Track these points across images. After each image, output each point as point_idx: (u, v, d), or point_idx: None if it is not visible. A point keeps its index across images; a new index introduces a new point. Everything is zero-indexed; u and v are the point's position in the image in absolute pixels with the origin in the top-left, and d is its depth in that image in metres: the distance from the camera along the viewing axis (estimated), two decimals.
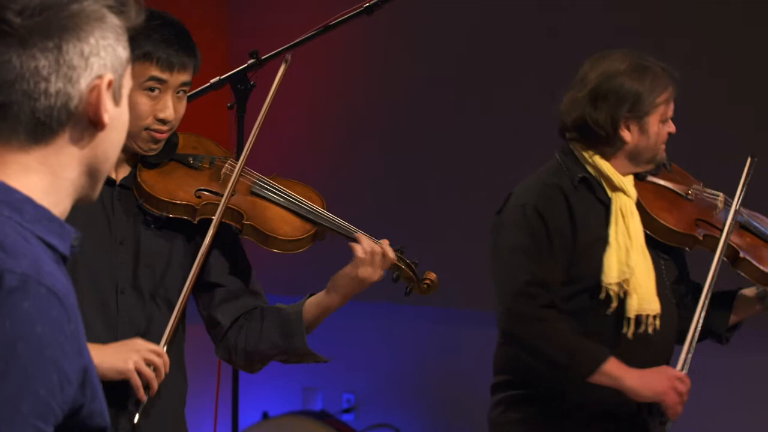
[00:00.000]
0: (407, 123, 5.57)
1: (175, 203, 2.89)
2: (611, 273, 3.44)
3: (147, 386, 2.78)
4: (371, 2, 3.67)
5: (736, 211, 3.55)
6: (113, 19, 1.61)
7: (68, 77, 1.57)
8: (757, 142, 3.84)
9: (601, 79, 3.45)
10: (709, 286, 3.48)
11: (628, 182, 3.51)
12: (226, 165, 2.99)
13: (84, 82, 1.58)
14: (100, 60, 1.59)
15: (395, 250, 3.00)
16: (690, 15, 4.94)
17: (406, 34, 5.56)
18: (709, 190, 3.69)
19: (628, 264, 3.44)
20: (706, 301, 3.47)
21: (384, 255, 2.94)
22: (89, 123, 1.59)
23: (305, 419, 5.46)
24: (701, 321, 3.46)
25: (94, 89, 1.58)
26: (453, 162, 5.46)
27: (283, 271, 4.83)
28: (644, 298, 3.46)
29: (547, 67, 5.22)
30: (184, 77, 2.84)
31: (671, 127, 3.50)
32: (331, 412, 5.69)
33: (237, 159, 2.99)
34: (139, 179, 2.88)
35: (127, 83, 1.65)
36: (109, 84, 1.59)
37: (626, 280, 3.44)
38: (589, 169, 3.50)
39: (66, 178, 1.60)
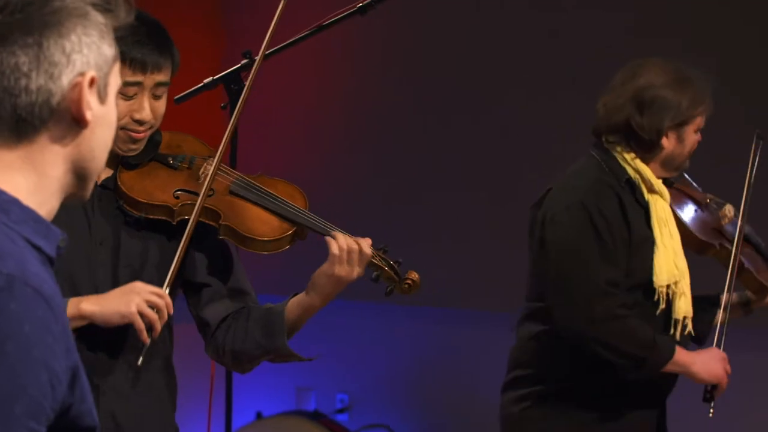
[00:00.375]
0: (404, 123, 5.57)
1: (154, 204, 2.87)
2: (662, 275, 3.53)
3: (150, 329, 2.76)
4: (365, 2, 3.67)
5: (742, 223, 3.71)
6: (97, 17, 1.60)
7: (49, 73, 1.56)
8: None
9: (646, 87, 3.54)
10: (729, 285, 3.68)
11: (662, 185, 3.61)
12: (205, 165, 2.97)
13: (66, 79, 1.57)
14: (83, 57, 1.58)
15: (378, 249, 2.97)
16: (690, 15, 4.95)
17: (400, 34, 5.56)
18: (717, 199, 3.82)
19: (677, 266, 3.54)
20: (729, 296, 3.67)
21: (361, 252, 2.89)
22: (72, 120, 1.58)
23: (299, 419, 5.47)
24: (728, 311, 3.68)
25: (76, 86, 1.58)
26: (451, 162, 5.46)
27: (276, 270, 4.83)
28: (688, 301, 3.58)
29: (542, 67, 5.23)
30: (160, 77, 2.82)
31: (698, 137, 3.62)
32: (325, 412, 5.69)
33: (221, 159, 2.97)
34: (118, 181, 2.86)
35: (114, 82, 1.64)
36: (92, 81, 1.59)
37: (676, 283, 3.54)
38: (630, 171, 3.57)
39: (51, 176, 1.59)
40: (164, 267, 2.86)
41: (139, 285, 2.78)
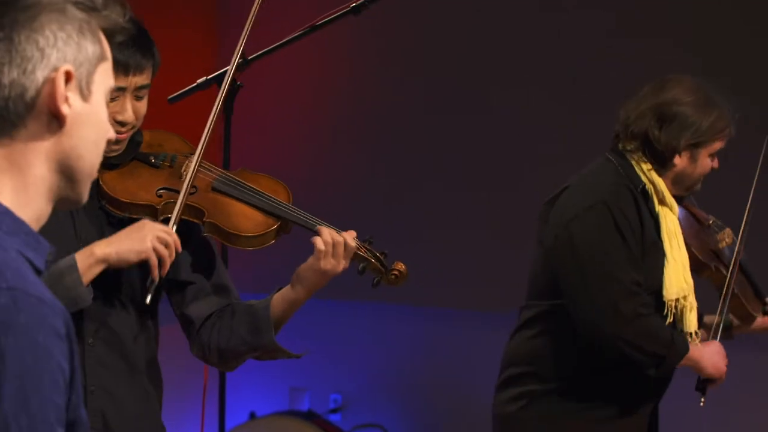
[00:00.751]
0: (402, 122, 5.56)
1: (136, 204, 2.87)
2: (672, 289, 3.55)
3: (160, 264, 2.77)
4: (358, 2, 3.67)
5: (739, 249, 3.73)
6: (77, 13, 1.59)
7: (22, 68, 1.55)
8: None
9: (671, 102, 3.55)
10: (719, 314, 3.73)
11: (673, 200, 3.62)
12: (187, 162, 2.97)
13: (40, 74, 1.56)
14: (58, 52, 1.57)
15: (363, 241, 2.97)
16: (691, 16, 4.95)
17: (399, 32, 5.56)
18: (718, 222, 3.84)
19: (686, 281, 3.58)
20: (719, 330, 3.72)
21: (346, 245, 2.89)
22: (51, 116, 1.58)
23: (292, 419, 5.47)
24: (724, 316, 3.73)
25: (51, 81, 1.57)
26: (448, 161, 5.46)
27: (264, 267, 4.83)
28: (696, 314, 3.61)
29: (541, 67, 5.23)
30: (142, 79, 2.82)
31: (715, 162, 3.63)
32: (318, 412, 5.70)
33: (204, 156, 2.96)
34: (100, 181, 2.86)
35: (102, 80, 1.63)
36: (69, 76, 1.58)
37: (686, 297, 3.57)
38: (644, 179, 3.58)
39: (35, 175, 1.59)
40: (148, 267, 2.85)
41: (148, 222, 2.79)
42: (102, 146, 1.65)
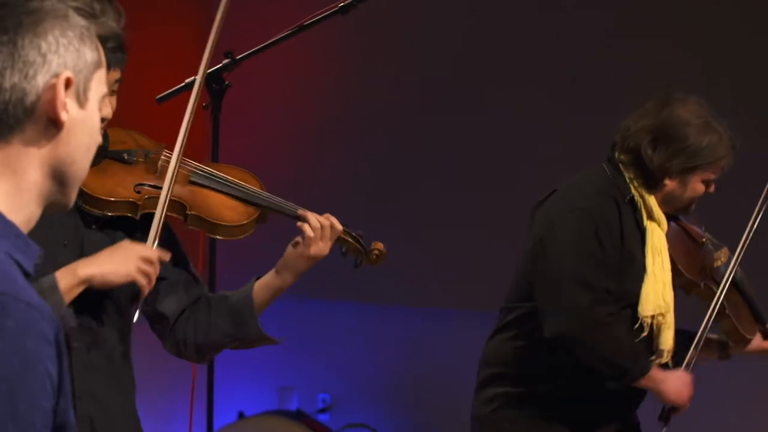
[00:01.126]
0: (396, 122, 5.56)
1: (116, 201, 2.86)
2: (648, 305, 3.53)
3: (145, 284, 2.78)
4: (346, 2, 3.67)
5: (732, 269, 3.67)
6: (78, 20, 1.59)
7: (24, 73, 1.55)
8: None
9: (671, 122, 3.52)
10: (701, 334, 3.65)
11: (662, 215, 3.59)
12: (162, 157, 2.96)
13: (41, 79, 1.56)
14: (59, 58, 1.57)
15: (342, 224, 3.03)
16: (690, 16, 4.96)
17: (394, 31, 5.55)
18: (714, 240, 3.79)
19: (665, 299, 3.55)
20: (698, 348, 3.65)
21: (332, 228, 2.95)
22: (49, 122, 1.57)
23: (281, 419, 5.46)
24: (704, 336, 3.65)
25: (52, 87, 1.57)
26: (442, 161, 5.45)
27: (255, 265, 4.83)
28: (672, 334, 3.58)
29: (537, 66, 5.23)
30: (118, 73, 2.80)
31: (711, 188, 3.59)
32: (307, 411, 5.70)
33: (172, 149, 2.94)
34: None
35: (97, 87, 1.63)
36: (68, 82, 1.58)
37: (662, 314, 3.54)
38: (634, 192, 3.57)
39: (29, 180, 1.58)
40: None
41: (126, 244, 2.78)
42: (93, 152, 1.66)
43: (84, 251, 2.83)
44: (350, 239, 3.05)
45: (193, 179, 2.99)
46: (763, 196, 3.68)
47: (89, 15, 1.61)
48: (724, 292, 3.65)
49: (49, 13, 1.57)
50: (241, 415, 5.71)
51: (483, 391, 3.67)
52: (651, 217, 3.56)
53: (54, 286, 2.66)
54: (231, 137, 4.12)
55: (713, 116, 3.54)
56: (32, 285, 1.55)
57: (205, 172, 3.01)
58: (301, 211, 2.97)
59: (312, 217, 2.95)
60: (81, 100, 1.61)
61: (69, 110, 1.59)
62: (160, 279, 2.94)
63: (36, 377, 1.47)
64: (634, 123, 3.55)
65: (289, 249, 2.96)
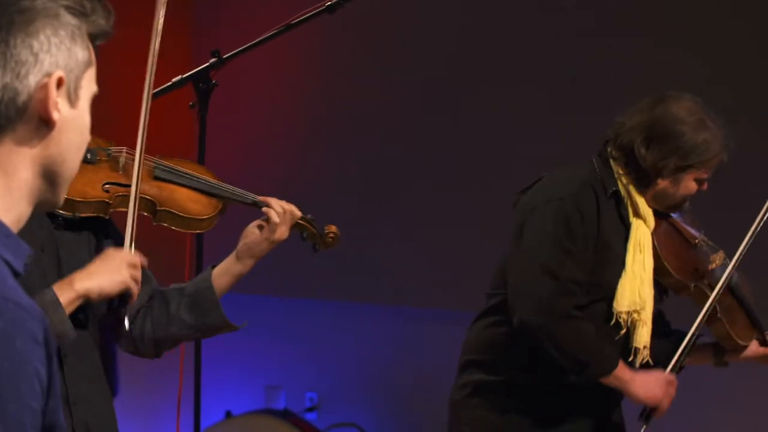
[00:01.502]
0: (388, 122, 5.56)
1: (87, 202, 2.86)
2: (623, 301, 3.51)
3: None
4: (333, 1, 3.68)
5: (729, 274, 3.63)
6: (70, 19, 1.59)
7: (15, 72, 1.55)
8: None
9: (665, 120, 3.49)
10: (691, 337, 3.62)
11: (650, 212, 3.57)
12: (123, 154, 2.96)
13: (33, 79, 1.56)
14: (51, 57, 1.57)
15: None
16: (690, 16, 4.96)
17: (387, 30, 5.56)
18: (710, 242, 3.75)
19: (641, 296, 3.53)
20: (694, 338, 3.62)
21: (293, 212, 3.03)
22: (40, 121, 1.57)
23: (268, 418, 5.47)
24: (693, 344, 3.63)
25: (44, 86, 1.57)
26: (432, 161, 5.45)
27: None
28: (649, 330, 3.56)
29: (533, 66, 5.23)
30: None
31: (704, 186, 3.56)
32: (294, 410, 5.70)
33: (133, 148, 2.93)
34: None
35: (88, 86, 1.63)
36: (60, 82, 1.58)
37: (637, 311, 3.52)
38: (621, 188, 3.55)
39: (20, 179, 1.58)
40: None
41: (114, 251, 2.79)
42: (83, 151, 1.66)
43: (60, 254, 2.83)
44: (307, 224, 3.11)
45: (157, 174, 3.01)
46: (766, 206, 3.64)
47: (80, 13, 1.60)
48: (716, 295, 3.60)
49: (40, 12, 1.57)
50: (228, 415, 5.71)
51: (460, 377, 3.69)
52: (637, 214, 3.55)
53: (55, 301, 2.66)
54: (216, 137, 4.12)
55: (708, 114, 3.52)
56: (33, 300, 1.55)
57: (167, 167, 3.03)
58: (261, 198, 3.04)
59: (274, 201, 3.02)
60: (72, 100, 1.61)
61: (60, 110, 1.59)
62: None
63: (25, 378, 1.47)
64: (628, 120, 3.54)
65: (253, 235, 3.02)
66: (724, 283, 3.62)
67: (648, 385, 3.54)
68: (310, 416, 5.79)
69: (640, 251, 3.54)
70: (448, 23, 5.41)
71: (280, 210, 3.01)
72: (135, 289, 2.76)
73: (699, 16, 4.95)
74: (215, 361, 4.72)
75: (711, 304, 3.61)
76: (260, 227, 3.02)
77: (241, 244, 3.02)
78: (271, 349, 5.69)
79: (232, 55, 3.68)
